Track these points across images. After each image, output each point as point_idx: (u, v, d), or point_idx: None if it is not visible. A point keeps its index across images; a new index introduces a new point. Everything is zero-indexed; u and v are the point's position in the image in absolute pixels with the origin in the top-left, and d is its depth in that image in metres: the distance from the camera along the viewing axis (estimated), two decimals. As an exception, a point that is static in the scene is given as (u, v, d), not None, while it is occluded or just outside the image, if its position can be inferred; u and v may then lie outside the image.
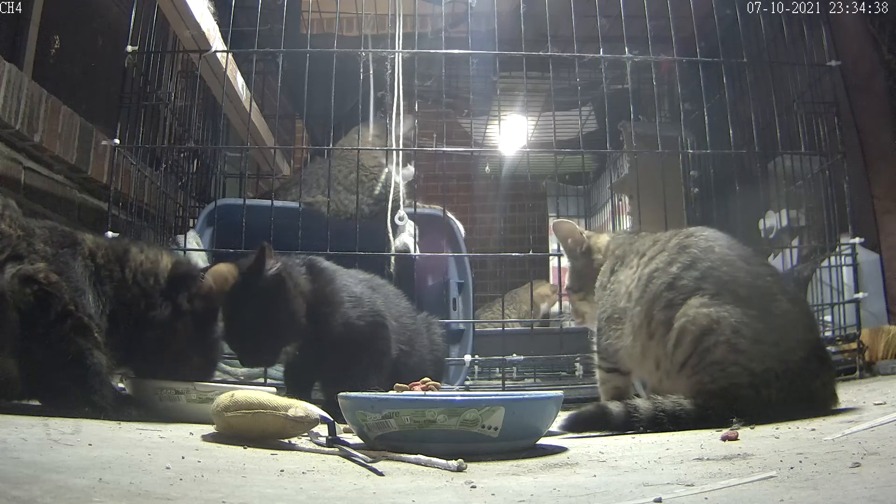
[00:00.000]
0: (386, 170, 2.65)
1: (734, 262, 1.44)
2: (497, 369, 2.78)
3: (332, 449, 1.12)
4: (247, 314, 1.58)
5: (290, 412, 1.11)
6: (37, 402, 1.30)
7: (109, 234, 2.10)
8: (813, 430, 1.19)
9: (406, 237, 2.42)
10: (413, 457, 1.03)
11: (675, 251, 1.49)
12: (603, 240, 1.80)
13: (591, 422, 1.39)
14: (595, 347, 1.65)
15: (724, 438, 1.15)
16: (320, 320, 1.72)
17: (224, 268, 1.47)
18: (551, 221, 1.89)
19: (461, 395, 1.55)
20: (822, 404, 1.37)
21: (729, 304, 1.37)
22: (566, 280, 1.89)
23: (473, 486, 0.87)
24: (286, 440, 1.17)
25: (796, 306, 1.44)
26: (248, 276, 1.60)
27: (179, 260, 1.48)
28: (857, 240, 2.36)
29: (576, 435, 1.37)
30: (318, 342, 1.73)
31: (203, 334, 1.46)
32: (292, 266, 1.73)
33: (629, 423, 1.36)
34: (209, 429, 1.19)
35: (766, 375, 1.33)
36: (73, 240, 1.33)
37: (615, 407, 1.39)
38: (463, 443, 1.07)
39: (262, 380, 2.02)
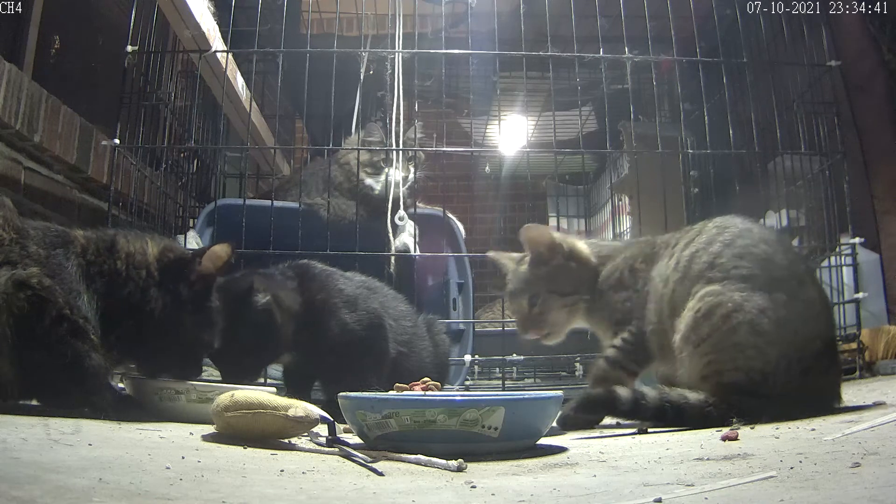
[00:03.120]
0: (385, 170, 2.65)
1: (773, 242, 1.47)
2: (497, 369, 2.78)
3: (332, 449, 1.12)
4: (232, 338, 1.58)
5: (290, 412, 1.11)
6: (36, 402, 1.30)
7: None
8: (813, 430, 1.19)
9: (406, 237, 2.42)
10: (413, 457, 1.03)
11: (715, 232, 1.50)
12: (582, 245, 1.74)
13: (601, 405, 1.40)
14: (616, 354, 1.58)
15: (724, 438, 1.15)
16: (316, 328, 1.72)
17: (219, 248, 1.46)
18: (531, 224, 1.83)
19: (461, 395, 1.55)
20: (828, 400, 1.38)
21: (760, 289, 1.38)
22: (529, 285, 1.73)
23: (473, 486, 0.87)
24: (286, 440, 1.17)
25: (822, 296, 1.47)
26: (237, 302, 1.61)
27: (166, 245, 1.45)
28: (857, 240, 2.36)
29: (576, 436, 1.37)
30: (316, 347, 1.73)
31: (204, 314, 1.45)
32: (281, 284, 1.74)
33: (637, 409, 1.37)
34: (209, 429, 1.19)
35: (780, 363, 1.34)
36: (65, 239, 1.32)
37: (624, 392, 1.40)
38: (463, 443, 1.07)
39: (262, 380, 2.02)
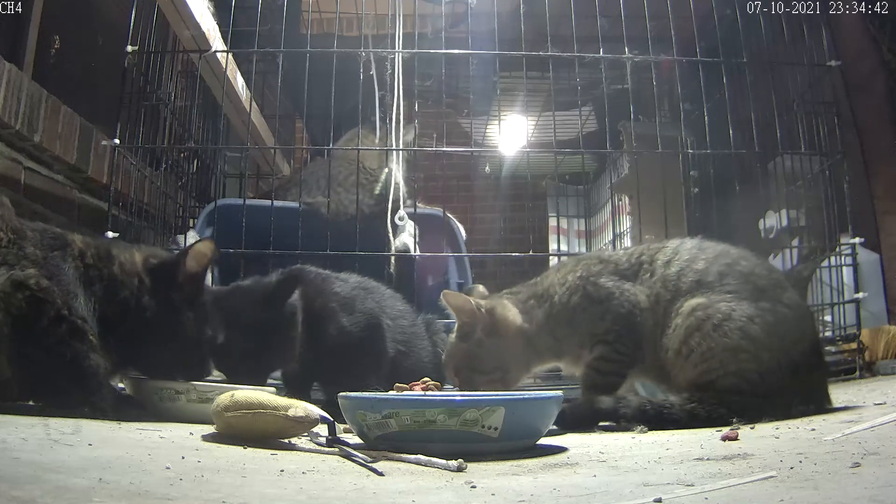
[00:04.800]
0: (386, 170, 2.65)
1: (750, 257, 1.52)
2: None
3: (332, 449, 1.12)
4: (251, 337, 1.59)
5: (290, 412, 1.11)
6: (34, 403, 1.30)
7: (109, 234, 2.10)
8: (813, 430, 1.19)
9: (406, 237, 2.42)
10: (413, 457, 1.03)
11: (696, 252, 1.52)
12: (511, 314, 1.58)
13: (583, 417, 1.42)
14: (605, 366, 1.54)
15: (724, 438, 1.15)
16: (314, 333, 1.73)
17: (201, 246, 1.46)
18: (444, 292, 1.62)
19: (461, 395, 1.55)
20: (817, 398, 1.41)
21: (746, 298, 1.42)
22: (454, 360, 1.61)
23: (473, 486, 0.86)
24: (286, 440, 1.17)
25: (804, 300, 1.51)
26: (266, 300, 1.63)
27: (149, 253, 1.46)
28: (857, 240, 2.36)
29: (576, 436, 1.37)
30: (315, 350, 1.73)
31: (198, 313, 1.45)
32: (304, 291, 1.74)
33: (616, 412, 1.40)
34: (209, 429, 1.19)
35: (772, 365, 1.37)
36: (63, 242, 1.32)
37: (605, 401, 1.43)
38: (463, 443, 1.07)
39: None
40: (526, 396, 1.28)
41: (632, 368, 1.53)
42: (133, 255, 1.43)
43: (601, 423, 1.44)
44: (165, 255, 1.51)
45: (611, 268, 1.58)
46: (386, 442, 1.10)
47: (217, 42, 2.48)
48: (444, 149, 2.67)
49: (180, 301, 1.42)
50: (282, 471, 0.93)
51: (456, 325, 1.63)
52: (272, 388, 1.58)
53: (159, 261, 1.44)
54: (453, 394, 1.68)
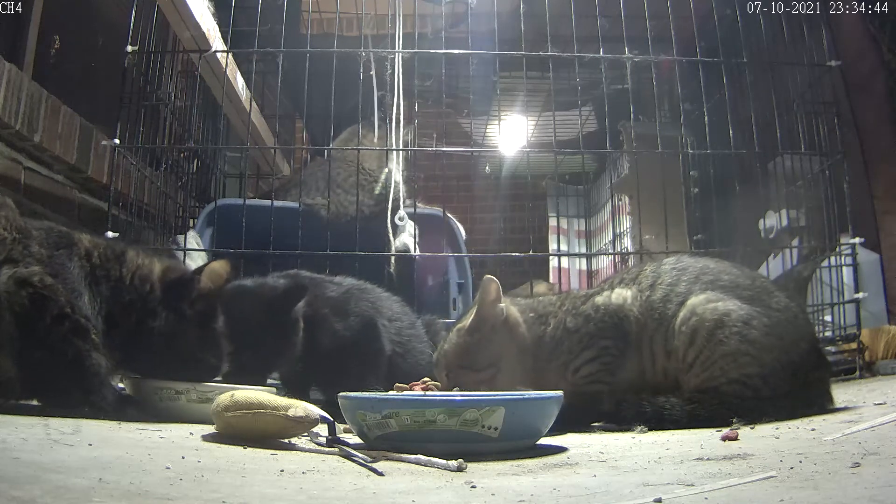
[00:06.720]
0: (386, 170, 2.65)
1: (730, 269, 1.53)
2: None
3: (332, 449, 1.12)
4: (253, 338, 1.59)
5: (290, 412, 1.11)
6: (36, 402, 1.30)
7: (109, 234, 2.10)
8: (813, 430, 1.19)
9: (406, 237, 2.42)
10: (413, 457, 1.03)
11: (676, 274, 1.53)
12: (519, 317, 1.61)
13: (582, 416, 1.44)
14: (589, 377, 1.54)
15: (724, 438, 1.15)
16: (309, 337, 1.73)
17: (217, 266, 1.47)
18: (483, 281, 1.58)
19: (461, 395, 1.55)
20: (819, 397, 1.41)
21: (736, 298, 1.44)
22: (448, 357, 1.59)
23: (473, 486, 0.86)
24: (286, 440, 1.17)
25: (794, 301, 1.52)
26: (274, 306, 1.63)
27: (169, 265, 1.46)
28: (857, 240, 2.37)
29: (576, 436, 1.38)
30: (311, 353, 1.74)
31: (207, 334, 1.45)
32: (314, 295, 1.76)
33: (617, 412, 1.41)
34: (209, 429, 1.19)
35: (774, 366, 1.38)
36: (69, 240, 1.32)
37: (605, 401, 1.45)
38: (463, 443, 1.07)
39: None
40: (526, 396, 1.28)
41: (614, 377, 1.52)
42: (153, 262, 1.43)
43: (601, 424, 1.44)
44: (184, 269, 1.52)
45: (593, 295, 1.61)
46: (386, 442, 1.10)
47: (217, 42, 2.48)
48: (444, 149, 2.67)
49: (189, 318, 1.42)
50: (282, 471, 0.93)
51: (471, 317, 1.60)
52: (272, 388, 1.59)
53: (177, 275, 1.45)
54: (453, 394, 1.68)
